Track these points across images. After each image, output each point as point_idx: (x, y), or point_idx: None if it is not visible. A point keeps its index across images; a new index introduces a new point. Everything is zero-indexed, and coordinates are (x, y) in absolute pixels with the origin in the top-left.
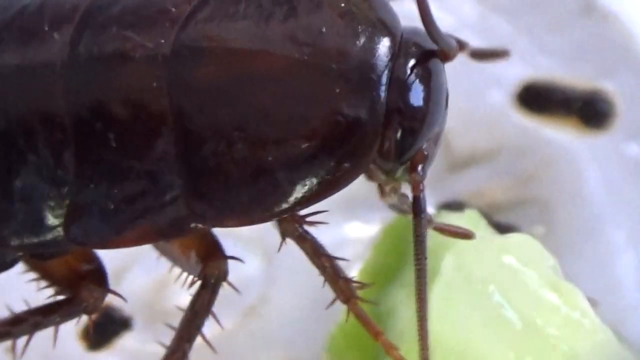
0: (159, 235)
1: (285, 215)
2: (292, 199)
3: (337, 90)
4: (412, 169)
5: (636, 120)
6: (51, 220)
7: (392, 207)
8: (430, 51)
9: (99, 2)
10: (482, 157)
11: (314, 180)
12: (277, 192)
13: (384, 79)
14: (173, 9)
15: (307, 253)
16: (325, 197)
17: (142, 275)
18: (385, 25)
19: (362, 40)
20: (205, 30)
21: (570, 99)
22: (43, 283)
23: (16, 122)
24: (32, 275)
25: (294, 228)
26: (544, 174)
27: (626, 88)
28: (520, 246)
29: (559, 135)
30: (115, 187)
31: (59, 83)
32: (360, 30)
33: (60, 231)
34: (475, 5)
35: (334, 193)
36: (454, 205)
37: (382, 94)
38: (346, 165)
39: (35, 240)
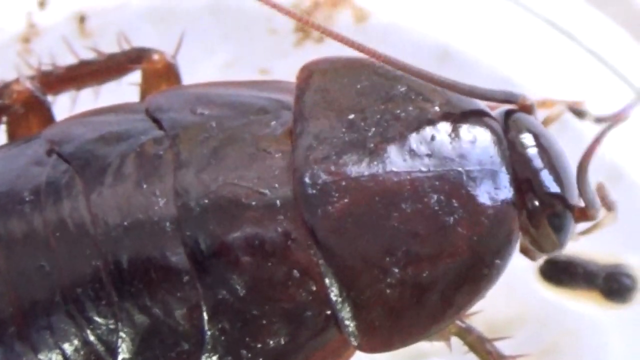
0: None
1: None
2: (459, 307)
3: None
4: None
5: None
6: None
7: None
8: None
9: (186, 153)
10: (502, 327)
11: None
12: (440, 306)
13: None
14: (272, 152)
15: (470, 344)
16: (486, 293)
17: None
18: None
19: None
20: (328, 168)
21: (592, 273)
22: None
23: (132, 275)
24: None
25: (457, 326)
26: (566, 344)
27: None
28: None
29: (581, 306)
30: (250, 333)
31: (174, 238)
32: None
33: None
34: None
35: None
36: None
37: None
38: (497, 261)
39: None
